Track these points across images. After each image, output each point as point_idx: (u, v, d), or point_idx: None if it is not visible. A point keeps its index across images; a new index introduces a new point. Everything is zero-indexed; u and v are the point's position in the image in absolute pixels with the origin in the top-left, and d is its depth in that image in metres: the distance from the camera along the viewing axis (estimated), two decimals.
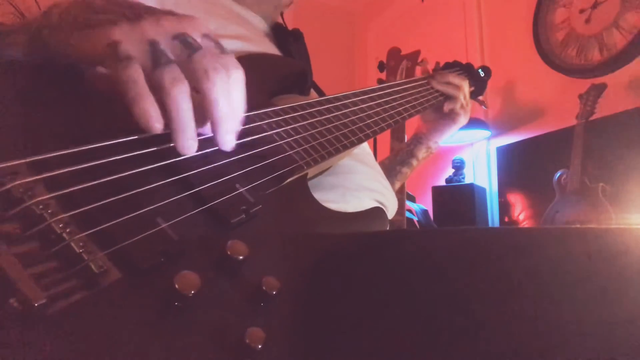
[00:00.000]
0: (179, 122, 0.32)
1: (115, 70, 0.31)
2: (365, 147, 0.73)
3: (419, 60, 1.26)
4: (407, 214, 2.02)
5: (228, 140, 0.36)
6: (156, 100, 0.31)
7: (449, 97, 0.91)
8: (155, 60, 0.32)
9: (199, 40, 0.35)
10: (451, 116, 0.93)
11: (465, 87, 0.92)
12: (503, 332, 0.26)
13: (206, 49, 0.34)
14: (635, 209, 1.58)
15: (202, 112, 0.34)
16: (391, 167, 0.98)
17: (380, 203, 0.64)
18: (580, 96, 1.78)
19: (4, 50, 0.38)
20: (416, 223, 2.15)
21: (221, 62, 0.34)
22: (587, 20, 1.97)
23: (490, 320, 0.27)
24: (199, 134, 0.34)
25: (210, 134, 0.36)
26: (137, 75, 0.30)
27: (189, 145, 0.33)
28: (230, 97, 0.34)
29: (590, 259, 0.29)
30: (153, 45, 0.32)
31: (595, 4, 1.94)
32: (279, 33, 0.79)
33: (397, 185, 1.00)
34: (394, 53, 1.36)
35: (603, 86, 1.74)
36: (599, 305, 0.26)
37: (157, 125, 0.31)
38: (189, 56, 0.33)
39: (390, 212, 0.70)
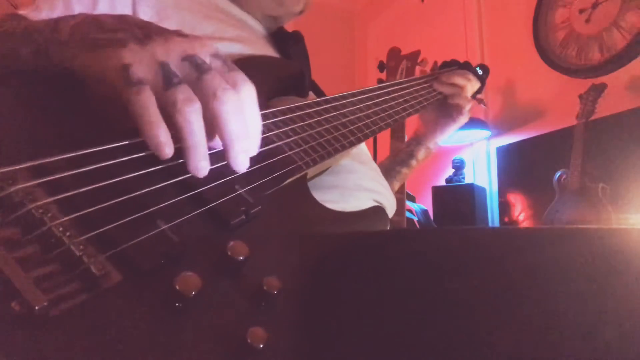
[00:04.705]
0: (191, 142, 0.32)
1: (128, 94, 0.31)
2: (362, 147, 0.73)
3: (419, 60, 1.26)
4: (407, 214, 2.02)
5: (240, 161, 0.35)
6: (166, 120, 0.31)
7: (451, 95, 0.90)
8: (167, 81, 0.32)
9: (207, 60, 0.35)
10: (451, 115, 0.92)
11: (469, 86, 0.91)
12: (503, 331, 0.26)
13: (215, 70, 0.34)
14: (635, 209, 1.59)
15: (213, 131, 0.34)
16: (391, 168, 0.98)
17: (379, 202, 0.65)
18: (580, 96, 1.78)
19: (5, 60, 0.38)
20: (416, 223, 2.15)
21: (230, 81, 0.34)
22: (587, 20, 1.97)
23: (490, 319, 0.27)
24: None
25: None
26: (149, 101, 0.31)
27: (201, 166, 0.33)
28: (242, 115, 0.34)
29: (591, 259, 0.29)
30: (163, 67, 0.33)
31: (595, 4, 1.94)
32: (278, 35, 0.79)
33: (397, 185, 1.00)
34: (394, 53, 1.36)
35: (603, 86, 1.74)
36: (602, 307, 0.26)
37: (167, 150, 0.31)
38: (198, 78, 0.33)
39: (389, 211, 0.70)
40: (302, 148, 0.47)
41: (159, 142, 0.31)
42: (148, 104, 0.31)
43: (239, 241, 0.30)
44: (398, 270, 0.33)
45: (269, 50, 0.73)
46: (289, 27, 0.82)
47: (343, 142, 0.53)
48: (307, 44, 0.78)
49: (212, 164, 0.35)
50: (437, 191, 2.35)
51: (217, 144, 0.36)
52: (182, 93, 0.32)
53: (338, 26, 3.50)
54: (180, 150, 0.33)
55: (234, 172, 0.37)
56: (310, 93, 0.72)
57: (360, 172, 0.64)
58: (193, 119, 0.32)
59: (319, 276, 0.35)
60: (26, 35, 0.39)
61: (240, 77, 0.35)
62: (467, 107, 0.91)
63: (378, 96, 0.70)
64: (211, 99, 0.33)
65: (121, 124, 0.33)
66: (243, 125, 0.34)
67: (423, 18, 2.93)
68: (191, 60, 0.34)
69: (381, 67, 1.37)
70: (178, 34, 0.36)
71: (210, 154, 0.34)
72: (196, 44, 0.35)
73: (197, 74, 0.34)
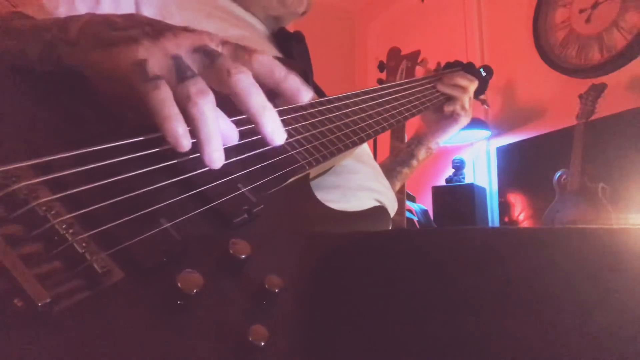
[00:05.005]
0: (205, 133, 0.32)
1: (145, 90, 0.31)
2: (364, 147, 0.73)
3: (419, 60, 1.26)
4: (407, 214, 2.02)
5: (275, 133, 0.35)
6: (182, 113, 0.32)
7: (450, 98, 0.90)
8: (180, 74, 0.32)
9: (219, 48, 0.35)
10: (453, 117, 0.93)
11: (472, 88, 0.91)
12: (504, 331, 0.26)
13: (227, 54, 0.35)
14: (635, 209, 1.59)
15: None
16: (391, 168, 0.98)
17: (381, 202, 0.65)
18: (580, 96, 1.78)
19: (10, 58, 0.38)
20: (416, 223, 2.16)
21: (243, 58, 0.35)
22: (587, 20, 1.97)
23: (491, 319, 0.27)
24: None
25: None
26: (166, 95, 0.31)
27: (216, 157, 0.33)
28: (259, 88, 0.34)
29: (591, 258, 0.29)
30: (176, 60, 0.33)
31: (595, 4, 1.95)
32: (280, 35, 0.79)
33: (398, 185, 1.00)
34: (394, 53, 1.36)
35: (603, 86, 1.75)
36: (602, 307, 0.26)
37: (186, 143, 0.31)
38: (210, 64, 0.34)
39: (390, 211, 0.70)
40: (304, 147, 0.47)
41: (177, 135, 0.31)
42: (166, 98, 0.31)
43: (241, 240, 0.30)
44: (399, 270, 0.33)
45: (271, 50, 0.73)
46: (289, 27, 0.82)
47: (346, 142, 0.53)
48: (307, 44, 0.78)
49: None
50: (437, 191, 2.35)
51: (229, 139, 0.36)
52: (195, 85, 0.32)
53: (338, 26, 3.50)
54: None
55: (237, 171, 0.37)
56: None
57: (361, 172, 0.64)
58: (207, 109, 0.32)
59: (320, 275, 0.35)
60: (34, 33, 0.39)
61: (251, 51, 0.36)
62: (458, 106, 0.91)
63: (381, 97, 0.70)
64: (226, 79, 0.33)
65: (126, 121, 0.33)
66: (264, 97, 0.35)
67: (423, 18, 2.93)
68: (202, 50, 0.34)
69: (381, 67, 1.37)
70: (186, 29, 0.36)
71: None
72: (205, 35, 0.36)
73: (209, 61, 0.34)
